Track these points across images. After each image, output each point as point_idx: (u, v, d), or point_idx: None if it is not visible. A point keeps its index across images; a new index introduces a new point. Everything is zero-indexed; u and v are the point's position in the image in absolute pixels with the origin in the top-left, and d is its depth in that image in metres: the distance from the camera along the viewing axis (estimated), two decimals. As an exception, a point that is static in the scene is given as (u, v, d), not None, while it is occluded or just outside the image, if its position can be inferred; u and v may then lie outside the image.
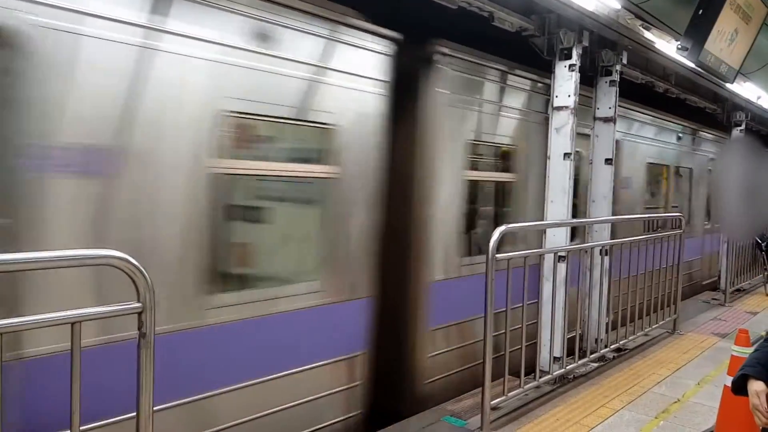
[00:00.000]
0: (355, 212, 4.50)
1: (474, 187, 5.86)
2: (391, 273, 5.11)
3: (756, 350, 2.83)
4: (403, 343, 5.36)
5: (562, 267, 5.47)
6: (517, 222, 6.00)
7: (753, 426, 2.67)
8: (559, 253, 5.47)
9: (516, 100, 6.22)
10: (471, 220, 5.90)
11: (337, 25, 4.26)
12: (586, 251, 6.38)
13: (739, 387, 2.69)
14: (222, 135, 3.62)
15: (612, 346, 6.49)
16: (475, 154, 5.81)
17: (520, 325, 4.94)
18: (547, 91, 6.09)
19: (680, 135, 10.26)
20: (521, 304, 4.89)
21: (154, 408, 2.47)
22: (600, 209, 6.50)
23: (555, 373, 5.44)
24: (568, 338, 5.67)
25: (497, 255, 4.45)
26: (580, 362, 5.82)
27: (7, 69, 2.78)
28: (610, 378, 5.86)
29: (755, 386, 2.60)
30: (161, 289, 2.61)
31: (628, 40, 6.46)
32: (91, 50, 3.02)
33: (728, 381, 3.06)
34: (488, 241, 4.44)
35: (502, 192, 6.30)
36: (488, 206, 6.31)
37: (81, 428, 2.29)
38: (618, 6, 5.89)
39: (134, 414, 2.43)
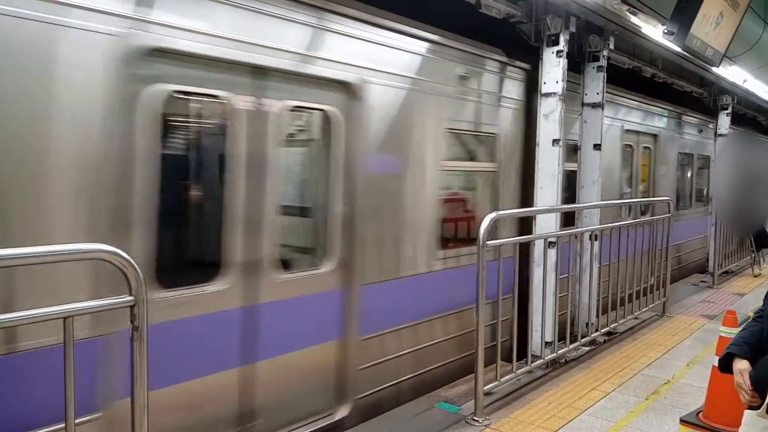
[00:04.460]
0: None
1: None
2: None
3: (743, 330, 2.88)
4: None
5: (552, 253, 5.52)
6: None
7: (740, 404, 2.72)
8: (549, 239, 5.51)
9: None
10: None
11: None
12: (576, 236, 6.42)
13: (725, 365, 2.75)
14: None
15: (602, 330, 6.56)
16: None
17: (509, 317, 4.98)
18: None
19: None
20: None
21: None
22: (589, 194, 6.54)
23: (546, 358, 5.49)
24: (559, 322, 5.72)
25: (488, 242, 4.48)
26: (571, 346, 5.88)
27: None
28: (601, 361, 5.92)
29: (739, 365, 2.65)
30: None
31: (615, 26, 6.47)
32: None
33: (716, 361, 3.11)
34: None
35: None
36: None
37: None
38: (604, -9, 5.91)
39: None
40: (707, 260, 10.88)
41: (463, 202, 6.21)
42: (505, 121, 6.17)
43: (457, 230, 5.99)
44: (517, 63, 6.29)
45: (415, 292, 5.14)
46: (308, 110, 4.42)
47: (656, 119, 10.02)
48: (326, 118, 4.44)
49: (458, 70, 5.52)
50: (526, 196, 6.34)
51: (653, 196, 9.70)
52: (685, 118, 11.23)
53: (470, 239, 5.81)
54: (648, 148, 9.81)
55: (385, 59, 4.77)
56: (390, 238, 4.89)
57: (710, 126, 11.98)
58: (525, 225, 6.06)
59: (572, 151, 6.82)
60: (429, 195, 5.26)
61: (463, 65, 5.57)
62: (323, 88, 4.34)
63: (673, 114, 10.72)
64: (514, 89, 6.29)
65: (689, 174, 11.86)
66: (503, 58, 6.11)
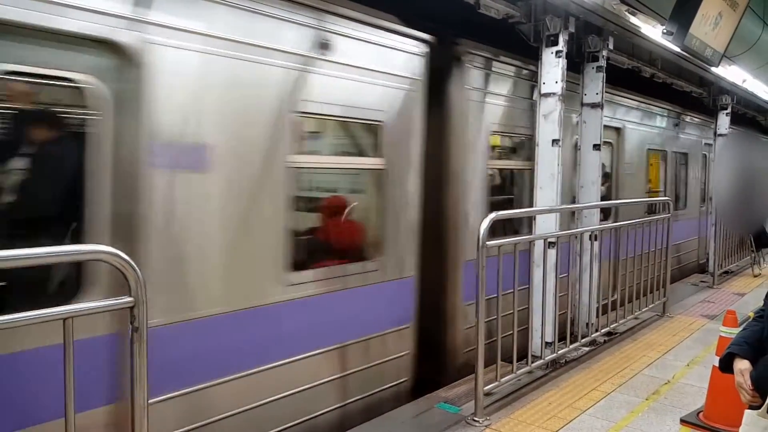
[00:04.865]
0: None
1: None
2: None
3: (743, 330, 2.88)
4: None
5: (552, 253, 5.52)
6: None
7: (740, 404, 2.72)
8: (549, 239, 5.51)
9: None
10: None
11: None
12: (576, 237, 6.42)
13: (726, 365, 2.75)
14: None
15: (603, 330, 6.56)
16: None
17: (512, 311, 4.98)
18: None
19: None
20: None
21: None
22: (589, 195, 6.54)
23: (547, 358, 5.49)
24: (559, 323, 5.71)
25: (488, 242, 4.49)
26: (571, 347, 5.87)
27: None
28: (601, 362, 5.92)
29: (740, 365, 2.65)
30: None
31: (614, 26, 6.48)
32: None
33: (717, 361, 3.12)
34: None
35: None
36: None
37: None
38: (603, -9, 5.91)
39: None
40: (707, 260, 10.88)
41: (335, 210, 4.94)
42: (397, 106, 4.85)
43: (325, 246, 4.79)
44: (416, 33, 4.93)
45: (244, 332, 3.81)
46: (38, 78, 3.03)
47: (620, 111, 8.70)
48: (77, 92, 3.12)
49: (318, 35, 4.22)
50: (432, 200, 5.35)
51: (615, 198, 8.62)
52: (657, 110, 10.15)
53: (346, 256, 4.66)
54: (609, 143, 8.49)
55: (184, 12, 3.45)
56: (196, 260, 3.56)
57: (688, 119, 11.37)
58: (438, 238, 5.32)
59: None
60: (270, 200, 3.95)
61: (328, 30, 4.27)
62: (66, 49, 3.03)
63: (641, 106, 9.43)
64: (410, 67, 4.96)
65: (663, 173, 10.77)
66: (396, 26, 4.78)
